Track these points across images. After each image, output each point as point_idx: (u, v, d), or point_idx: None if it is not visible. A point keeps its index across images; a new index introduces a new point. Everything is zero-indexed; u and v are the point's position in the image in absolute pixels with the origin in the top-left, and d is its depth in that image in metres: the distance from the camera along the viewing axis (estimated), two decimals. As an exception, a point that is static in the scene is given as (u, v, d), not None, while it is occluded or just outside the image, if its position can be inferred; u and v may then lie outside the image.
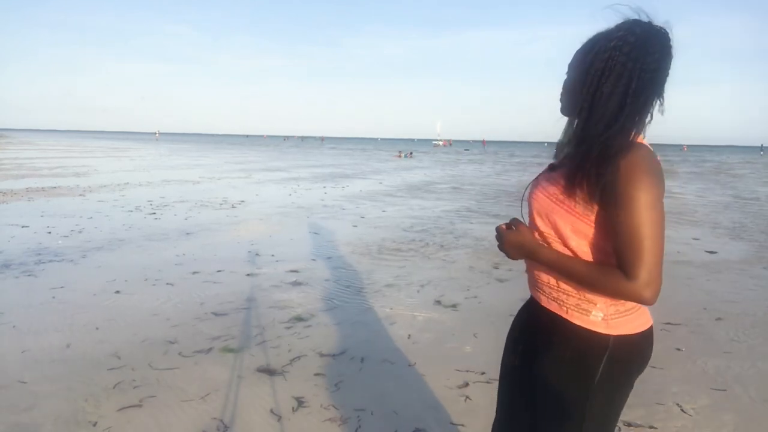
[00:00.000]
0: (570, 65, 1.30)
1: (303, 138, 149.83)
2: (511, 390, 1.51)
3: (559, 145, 1.36)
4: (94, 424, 2.51)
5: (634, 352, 1.27)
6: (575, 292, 1.27)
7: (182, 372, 3.08)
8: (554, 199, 1.26)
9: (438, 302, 4.47)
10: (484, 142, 79.85)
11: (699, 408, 2.80)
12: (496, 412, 1.58)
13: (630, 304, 1.24)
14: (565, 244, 1.26)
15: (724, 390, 3.01)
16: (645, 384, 3.03)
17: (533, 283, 1.39)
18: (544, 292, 1.34)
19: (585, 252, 1.24)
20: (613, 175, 1.13)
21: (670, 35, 1.19)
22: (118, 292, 4.55)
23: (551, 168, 1.35)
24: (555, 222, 1.26)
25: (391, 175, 19.09)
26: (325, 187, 14.13)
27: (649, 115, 1.22)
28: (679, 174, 22.88)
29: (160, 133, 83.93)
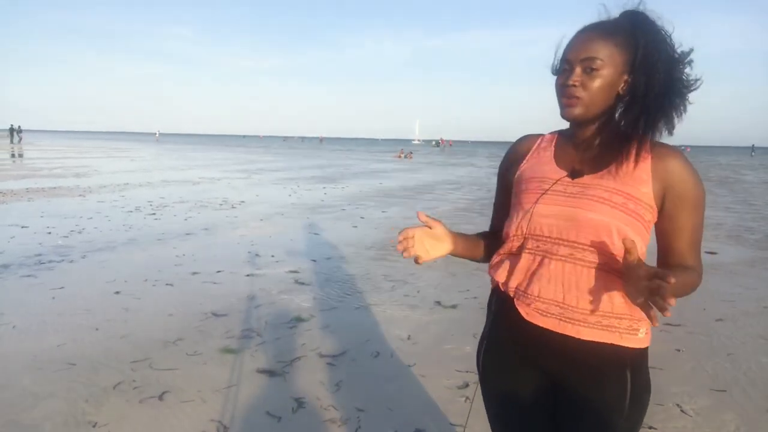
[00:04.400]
0: (595, 60, 1.12)
1: (303, 138, 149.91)
2: None
3: (577, 150, 1.24)
4: (94, 425, 2.52)
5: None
6: (629, 313, 1.15)
7: (182, 373, 3.08)
8: (624, 209, 1.12)
9: (438, 303, 4.47)
10: (442, 141, 78.96)
11: (699, 409, 2.80)
12: None
13: None
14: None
15: (724, 391, 3.00)
16: (645, 385, 3.04)
17: (560, 314, 1.17)
18: (588, 322, 1.15)
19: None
20: (679, 175, 1.12)
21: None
22: (117, 292, 4.55)
23: (573, 175, 1.19)
24: (626, 235, 1.09)
25: (391, 176, 19.08)
26: (324, 187, 14.13)
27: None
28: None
29: (160, 134, 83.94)
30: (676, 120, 1.14)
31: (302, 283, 4.94)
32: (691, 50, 1.13)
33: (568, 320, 1.16)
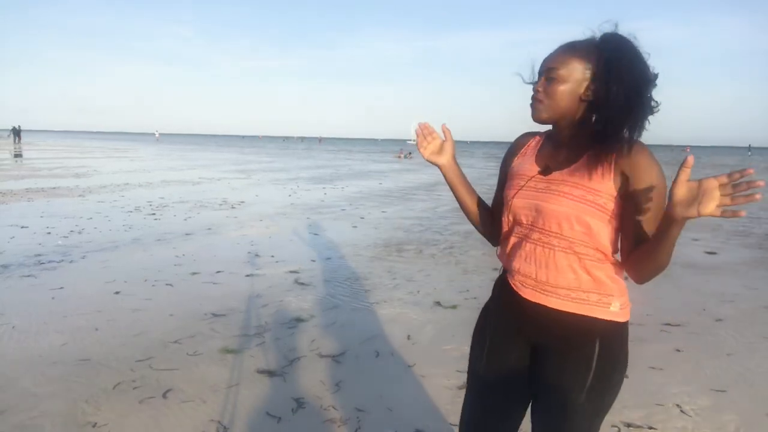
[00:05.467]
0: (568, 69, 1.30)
1: (302, 138, 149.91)
2: (508, 397, 1.49)
3: (545, 150, 1.44)
4: (94, 425, 2.51)
5: (628, 332, 1.40)
6: (595, 288, 1.31)
7: (182, 373, 3.08)
8: (582, 200, 1.27)
9: (438, 303, 4.47)
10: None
11: (699, 409, 2.80)
12: (476, 420, 1.52)
13: (627, 293, 1.37)
14: (597, 243, 1.30)
15: (724, 391, 3.01)
16: (645, 385, 3.04)
17: (541, 288, 1.35)
18: (559, 295, 1.33)
19: (612, 243, 1.32)
20: (640, 166, 1.23)
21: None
22: (117, 292, 4.55)
23: (544, 172, 1.37)
24: (587, 223, 1.27)
25: (391, 176, 19.09)
26: (324, 187, 14.13)
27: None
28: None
29: (160, 134, 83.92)
30: (637, 126, 1.26)
31: (302, 283, 4.94)
32: (657, 75, 1.27)
33: (541, 291, 1.36)
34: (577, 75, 1.29)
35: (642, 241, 1.25)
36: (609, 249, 1.31)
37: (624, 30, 1.30)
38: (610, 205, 1.26)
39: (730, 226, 8.92)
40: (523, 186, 1.40)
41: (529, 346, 1.44)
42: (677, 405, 2.83)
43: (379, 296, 4.63)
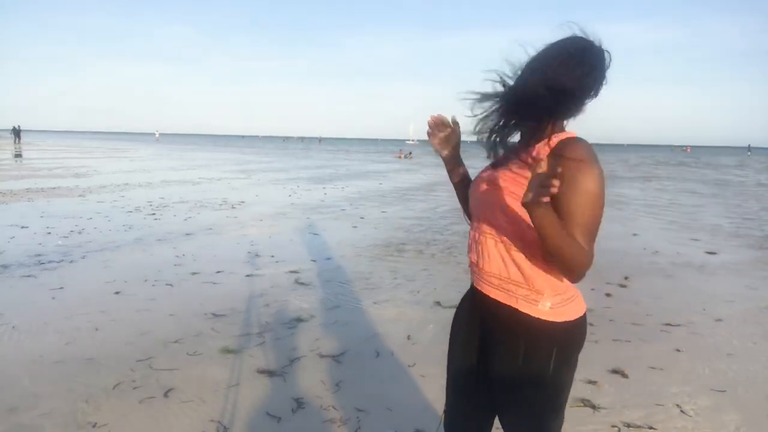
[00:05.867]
0: (527, 70, 1.34)
1: (302, 138, 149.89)
2: (468, 386, 1.57)
3: (492, 144, 1.44)
4: (94, 425, 2.51)
5: (577, 335, 1.39)
6: (524, 283, 1.34)
7: (182, 373, 3.08)
8: (507, 191, 1.33)
9: (438, 303, 4.46)
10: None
11: (699, 409, 2.80)
12: (450, 409, 1.64)
13: (571, 293, 1.37)
14: (522, 234, 1.32)
15: (724, 391, 3.01)
16: (645, 385, 3.04)
17: (480, 276, 1.44)
18: (492, 283, 1.40)
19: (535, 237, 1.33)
20: (572, 162, 1.24)
21: (605, 51, 1.32)
22: (117, 292, 4.55)
23: (494, 166, 1.42)
24: (512, 212, 1.32)
25: (391, 176, 19.09)
26: (324, 187, 14.13)
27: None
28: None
29: (160, 134, 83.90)
30: (558, 121, 1.32)
31: (302, 283, 4.94)
32: (583, 74, 1.29)
33: (483, 280, 1.43)
34: (540, 73, 1.33)
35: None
36: (536, 241, 1.28)
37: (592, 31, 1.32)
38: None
39: (731, 226, 8.93)
40: (475, 179, 1.50)
41: (479, 338, 1.50)
42: (677, 405, 2.83)
43: (380, 296, 4.63)
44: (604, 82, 1.33)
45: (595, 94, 1.33)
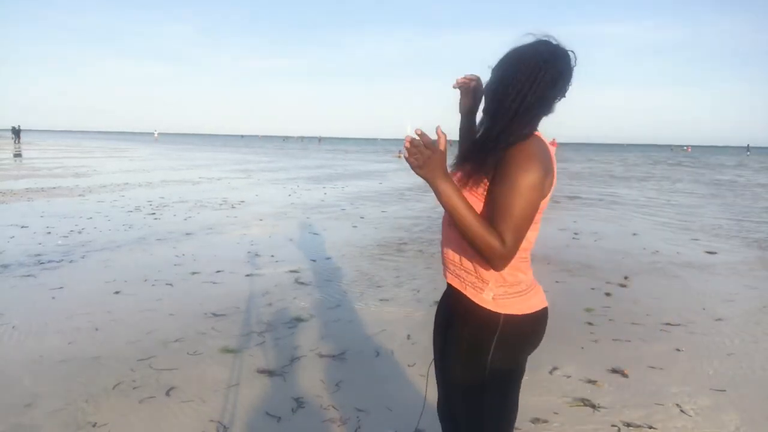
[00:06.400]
0: (495, 71, 1.42)
1: (302, 138, 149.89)
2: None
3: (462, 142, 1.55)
4: (94, 425, 2.51)
5: (523, 332, 1.41)
6: (473, 270, 1.40)
7: (182, 373, 3.08)
8: (460, 180, 1.39)
9: (438, 303, 4.46)
10: None
11: (699, 408, 2.80)
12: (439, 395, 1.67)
13: (521, 288, 1.40)
14: None
15: (724, 390, 3.01)
16: (645, 384, 3.04)
17: (443, 261, 1.52)
18: (449, 269, 1.49)
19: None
20: (509, 157, 1.29)
21: (570, 55, 1.35)
22: (117, 292, 4.55)
23: (458, 159, 1.50)
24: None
25: (391, 176, 19.09)
26: (324, 187, 14.13)
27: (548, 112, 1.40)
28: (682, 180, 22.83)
29: (159, 134, 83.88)
30: (505, 129, 1.34)
31: (302, 283, 4.94)
32: (533, 79, 1.33)
33: (445, 266, 1.52)
34: (503, 76, 1.40)
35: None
36: None
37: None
38: (479, 189, 1.35)
39: (731, 226, 8.93)
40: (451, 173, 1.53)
41: (445, 324, 1.57)
42: (677, 405, 2.83)
43: (380, 296, 4.63)
44: (564, 84, 1.37)
45: (562, 95, 1.38)
